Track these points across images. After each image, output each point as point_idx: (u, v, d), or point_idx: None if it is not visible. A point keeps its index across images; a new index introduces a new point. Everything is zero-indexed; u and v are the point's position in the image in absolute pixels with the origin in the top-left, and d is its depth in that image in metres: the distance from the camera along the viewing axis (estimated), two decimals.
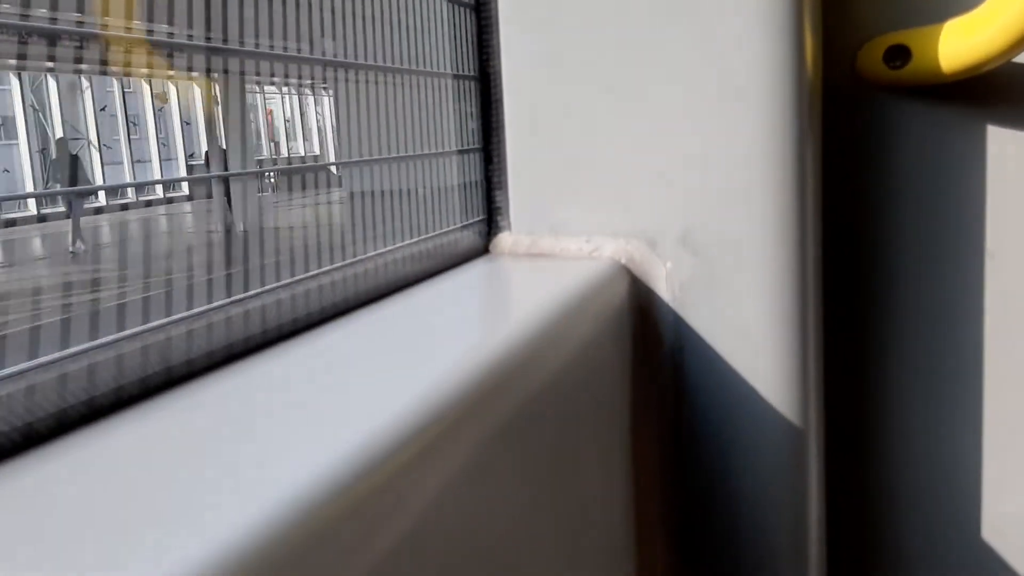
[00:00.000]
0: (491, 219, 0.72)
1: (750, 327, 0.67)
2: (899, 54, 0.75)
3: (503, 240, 0.71)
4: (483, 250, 0.72)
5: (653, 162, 0.68)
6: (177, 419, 0.40)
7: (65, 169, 5.65)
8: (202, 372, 0.43)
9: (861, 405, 0.79)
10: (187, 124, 5.58)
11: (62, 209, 5.29)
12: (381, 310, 0.57)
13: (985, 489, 0.77)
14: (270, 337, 0.50)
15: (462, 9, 0.71)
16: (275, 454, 0.35)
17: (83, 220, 4.92)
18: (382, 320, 0.55)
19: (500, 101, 0.71)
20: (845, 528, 0.79)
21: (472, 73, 0.73)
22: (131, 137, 5.78)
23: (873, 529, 0.80)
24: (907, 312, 0.77)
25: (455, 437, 0.41)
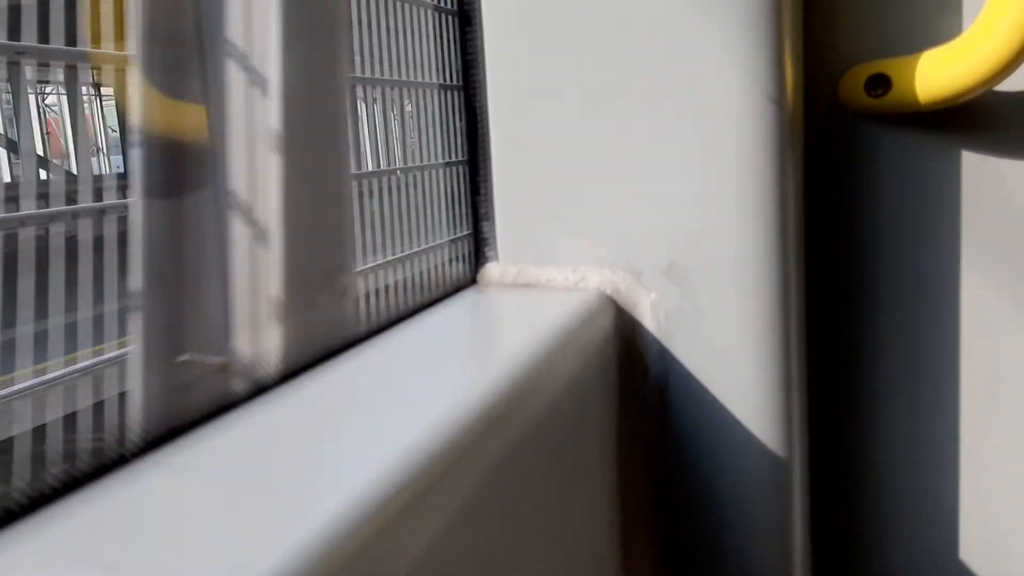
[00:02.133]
0: (479, 249, 0.73)
1: (734, 357, 0.67)
2: (880, 82, 0.76)
3: (490, 271, 0.72)
4: (471, 280, 0.72)
5: (637, 191, 0.68)
6: (152, 482, 0.40)
7: None
8: (175, 435, 0.43)
9: (844, 432, 0.80)
10: None
11: None
12: (368, 352, 0.57)
13: (963, 513, 0.78)
14: (255, 388, 0.50)
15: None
16: (243, 524, 0.35)
17: None
18: (369, 364, 0.55)
19: (487, 131, 0.71)
20: (829, 555, 0.80)
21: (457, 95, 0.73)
22: None
23: (857, 555, 0.81)
24: (889, 339, 0.79)
25: (441, 490, 0.41)
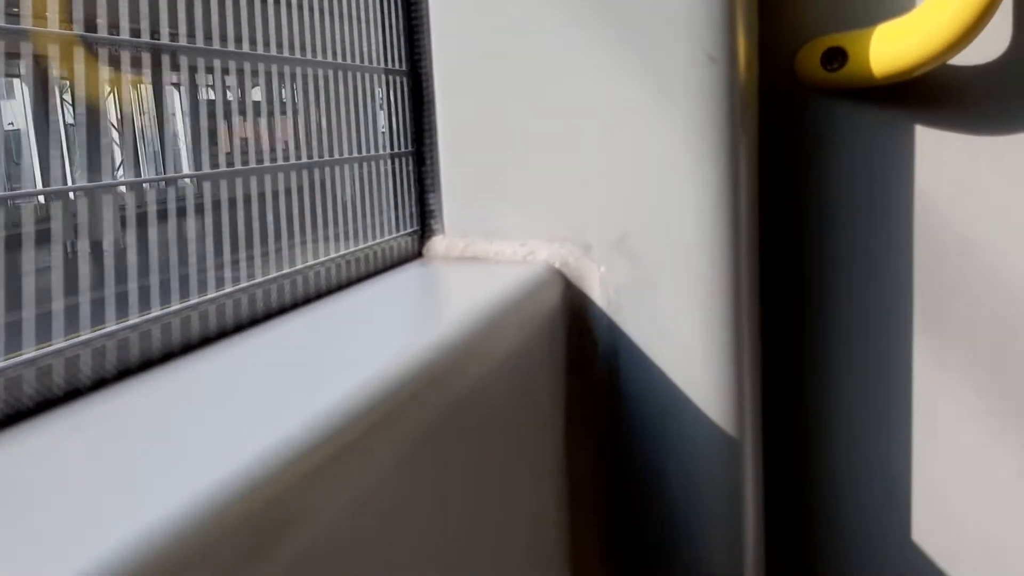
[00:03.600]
0: (424, 222, 0.71)
1: (684, 332, 0.66)
2: (836, 56, 0.75)
3: (437, 244, 0.70)
4: (416, 254, 0.70)
5: (587, 165, 0.67)
6: (80, 427, 0.38)
7: None
8: (116, 380, 0.42)
9: (797, 412, 0.79)
10: None
11: None
12: (308, 314, 0.55)
13: (915, 494, 0.77)
14: (191, 343, 0.48)
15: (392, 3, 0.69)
16: (166, 465, 0.34)
17: None
18: (307, 325, 0.53)
19: (432, 102, 0.70)
20: (784, 533, 0.79)
21: (403, 68, 0.71)
22: None
23: (813, 535, 0.79)
24: (841, 317, 0.77)
25: (371, 444, 0.40)
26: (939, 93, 0.74)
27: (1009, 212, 0.73)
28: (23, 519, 0.30)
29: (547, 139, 0.68)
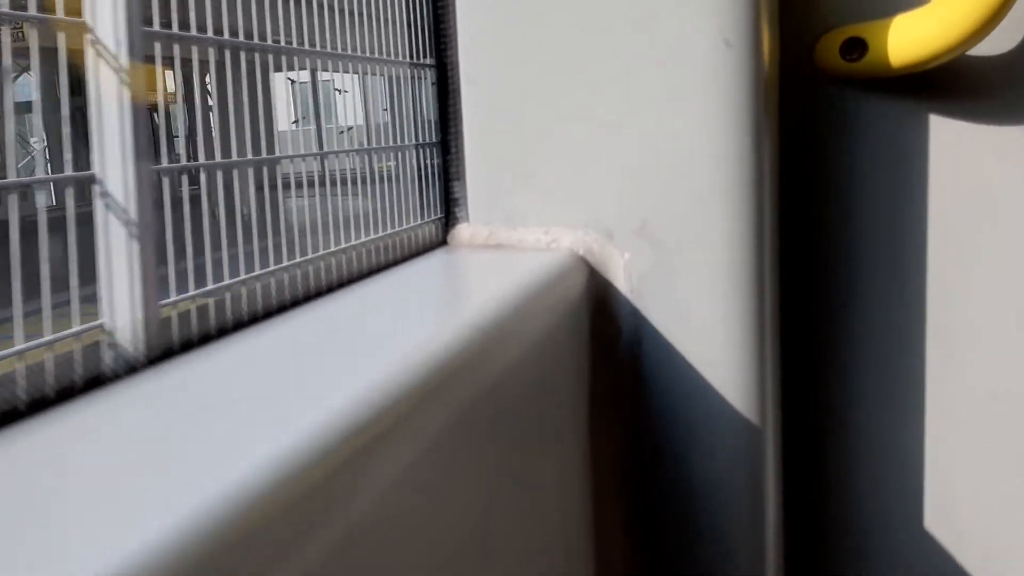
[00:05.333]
0: (449, 210, 0.72)
1: (707, 319, 0.67)
2: (856, 46, 0.75)
3: (461, 231, 0.71)
4: (441, 242, 0.71)
5: (610, 153, 0.68)
6: (120, 411, 0.39)
7: None
8: (150, 364, 0.42)
9: (817, 399, 0.79)
10: None
11: None
12: (335, 301, 0.56)
13: (928, 481, 0.78)
14: (219, 330, 0.49)
15: None
16: (208, 451, 0.34)
17: None
18: (334, 311, 0.54)
19: (458, 91, 0.70)
20: (801, 522, 0.79)
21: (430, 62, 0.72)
22: None
23: (830, 523, 0.80)
24: (858, 305, 0.78)
25: (403, 432, 0.40)
26: (959, 83, 0.75)
27: None
28: (57, 508, 0.30)
29: (569, 127, 0.68)
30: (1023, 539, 0.76)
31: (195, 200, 3.65)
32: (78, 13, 3.04)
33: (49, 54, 3.07)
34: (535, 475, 0.57)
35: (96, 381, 0.40)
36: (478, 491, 0.48)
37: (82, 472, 0.33)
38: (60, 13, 3.02)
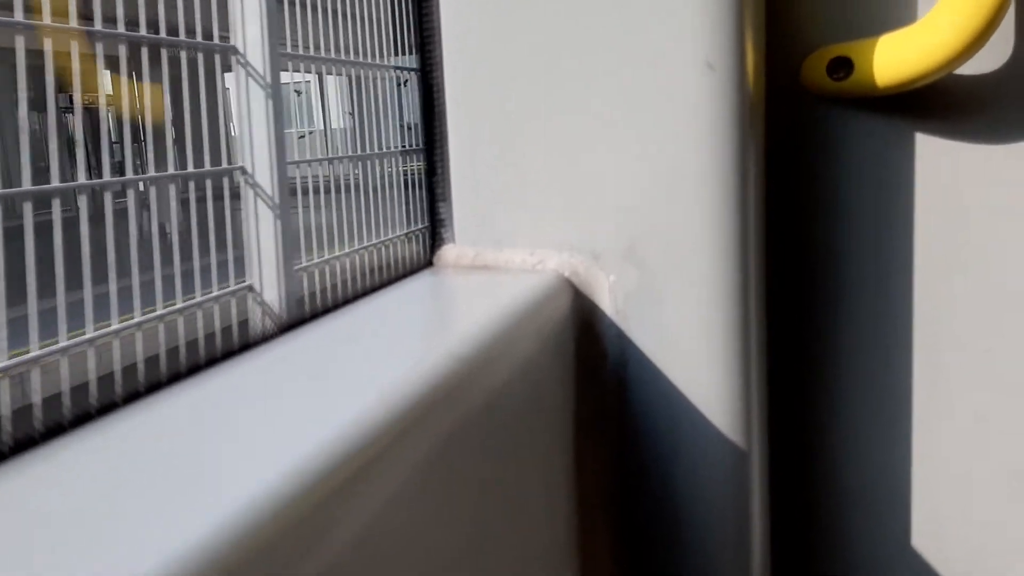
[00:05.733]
0: (435, 231, 0.72)
1: (692, 342, 0.67)
2: (842, 66, 0.75)
3: (447, 252, 0.71)
4: (427, 263, 0.71)
5: (596, 174, 0.67)
6: (101, 445, 0.39)
7: None
8: (125, 402, 0.42)
9: (804, 416, 0.79)
10: None
11: None
12: (321, 327, 0.56)
13: (915, 498, 0.78)
14: (207, 359, 0.49)
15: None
16: (186, 484, 0.34)
17: None
18: (321, 338, 0.54)
19: (443, 112, 0.70)
20: (788, 540, 0.79)
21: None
22: None
23: (816, 541, 0.80)
24: (846, 325, 0.78)
25: (390, 459, 0.40)
26: (945, 102, 0.75)
27: (1016, 221, 0.74)
28: (43, 541, 0.30)
29: (556, 148, 0.68)
30: (1010, 555, 0.77)
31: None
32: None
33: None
34: (521, 498, 0.57)
35: None
36: (464, 516, 0.48)
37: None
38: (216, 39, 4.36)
